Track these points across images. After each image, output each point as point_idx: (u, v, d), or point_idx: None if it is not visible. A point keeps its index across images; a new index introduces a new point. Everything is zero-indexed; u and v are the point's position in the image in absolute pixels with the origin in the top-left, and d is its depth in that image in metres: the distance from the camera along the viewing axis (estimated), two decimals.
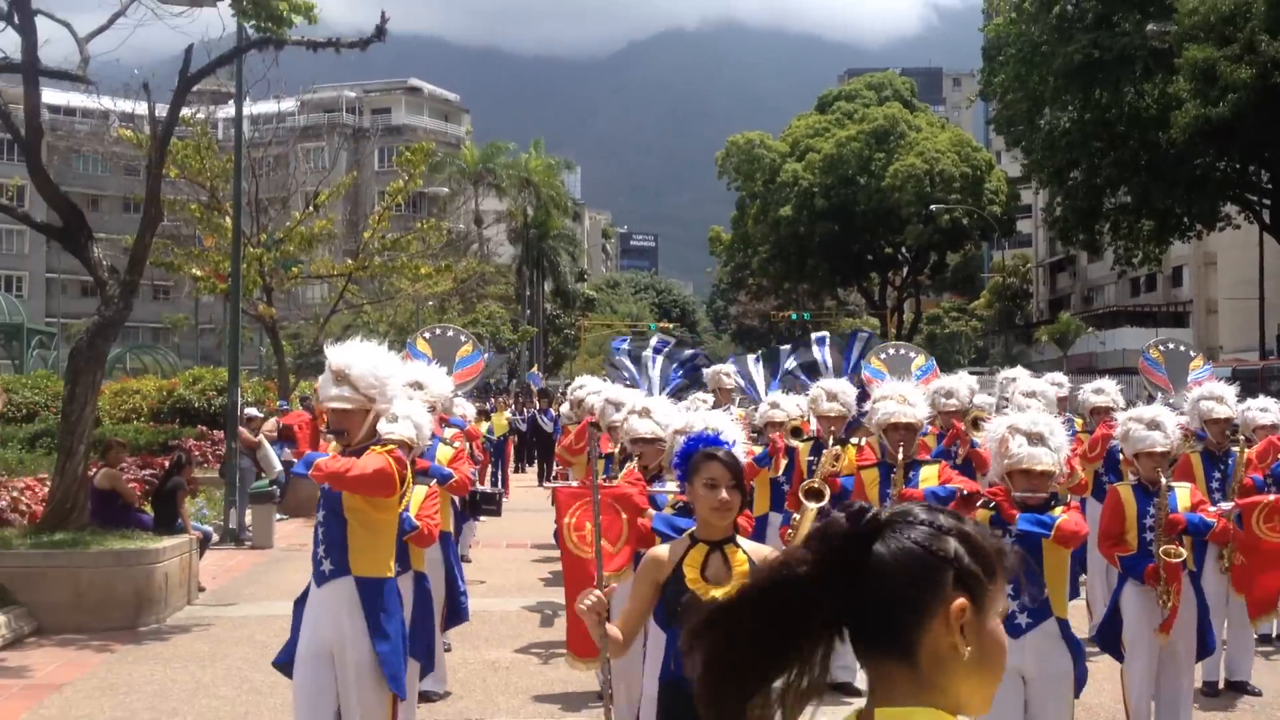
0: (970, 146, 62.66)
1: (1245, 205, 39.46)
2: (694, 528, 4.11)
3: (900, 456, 6.49)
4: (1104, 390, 9.69)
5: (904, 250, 65.63)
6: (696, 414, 5.37)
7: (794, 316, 72.86)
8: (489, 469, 19.20)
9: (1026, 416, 5.31)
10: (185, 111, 14.74)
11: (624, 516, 5.18)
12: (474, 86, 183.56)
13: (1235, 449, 7.85)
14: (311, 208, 19.83)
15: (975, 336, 77.25)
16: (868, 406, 6.97)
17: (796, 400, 9.90)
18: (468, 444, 10.04)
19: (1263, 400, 9.44)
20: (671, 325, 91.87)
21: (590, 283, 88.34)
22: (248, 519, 15.79)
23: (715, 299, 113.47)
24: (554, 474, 24.93)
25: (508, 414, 24.71)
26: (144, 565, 10.46)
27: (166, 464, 12.07)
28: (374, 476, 5.16)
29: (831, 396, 8.26)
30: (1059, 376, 10.14)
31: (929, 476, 6.52)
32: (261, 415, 17.57)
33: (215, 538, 13.62)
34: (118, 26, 12.31)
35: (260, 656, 9.26)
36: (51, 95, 49.17)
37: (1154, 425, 6.27)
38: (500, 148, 66.30)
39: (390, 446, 5.43)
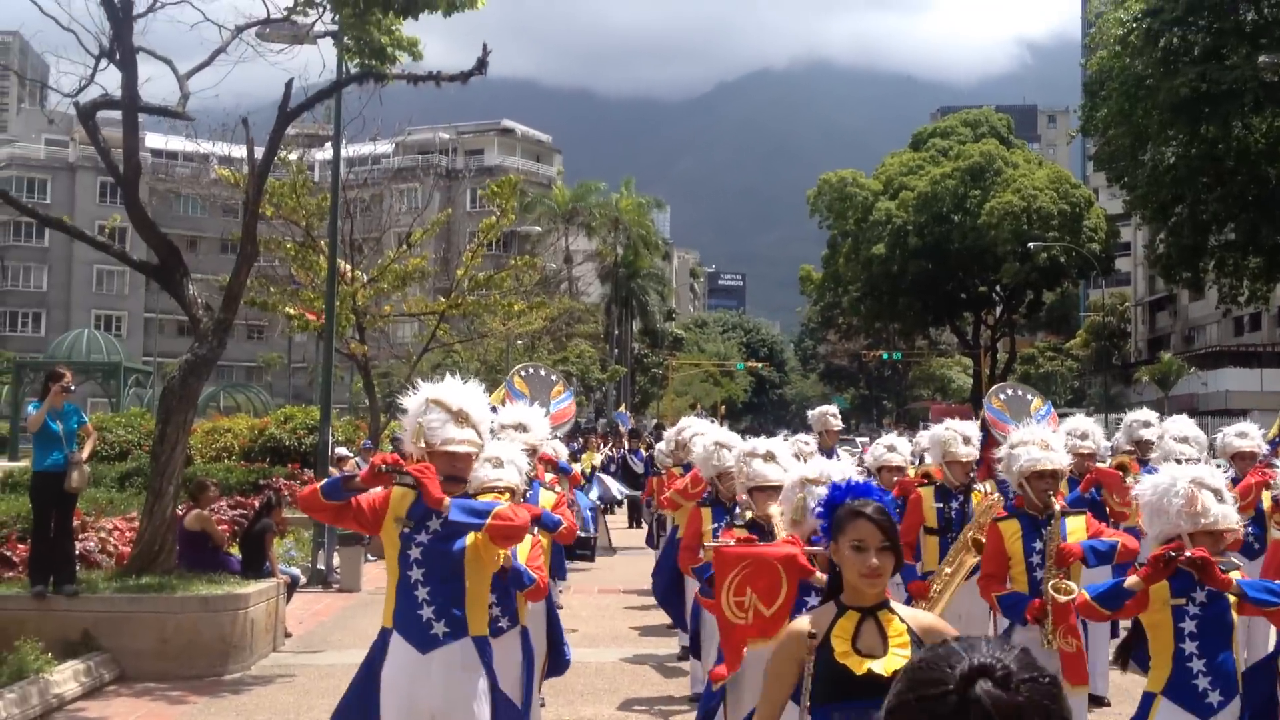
0: (1069, 183, 61.38)
1: None
2: (841, 595, 3.58)
3: (1056, 507, 5.93)
4: (1248, 434, 8.85)
5: (999, 289, 64.38)
6: (821, 461, 4.83)
7: (885, 356, 71.83)
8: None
9: (1209, 471, 4.75)
10: (281, 152, 14.64)
11: (784, 579, 4.63)
12: (566, 127, 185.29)
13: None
14: (405, 245, 19.66)
15: (1071, 376, 75.50)
16: (1001, 452, 6.38)
17: (906, 443, 9.36)
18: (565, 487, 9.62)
19: (1241, 425, 9.00)
20: (760, 365, 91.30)
21: (678, 322, 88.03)
22: (335, 561, 15.54)
23: (804, 338, 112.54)
24: (643, 516, 24.51)
25: (599, 455, 24.28)
26: (230, 611, 10.16)
27: (256, 504, 11.80)
28: (525, 529, 4.79)
29: (967, 440, 7.70)
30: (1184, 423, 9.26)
31: (1077, 529, 5.95)
32: (352, 455, 17.37)
33: (303, 580, 13.33)
34: (218, 64, 12.17)
35: None
36: (153, 140, 50.37)
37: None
38: (591, 187, 66.48)
39: (504, 494, 5.04)
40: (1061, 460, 6.05)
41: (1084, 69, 46.26)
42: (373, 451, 18.83)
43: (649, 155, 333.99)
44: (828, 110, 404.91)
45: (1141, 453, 10.26)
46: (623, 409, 42.47)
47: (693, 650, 8.22)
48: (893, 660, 3.39)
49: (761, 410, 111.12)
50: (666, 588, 9.37)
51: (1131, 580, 4.71)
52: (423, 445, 4.95)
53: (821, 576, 4.48)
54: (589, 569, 17.05)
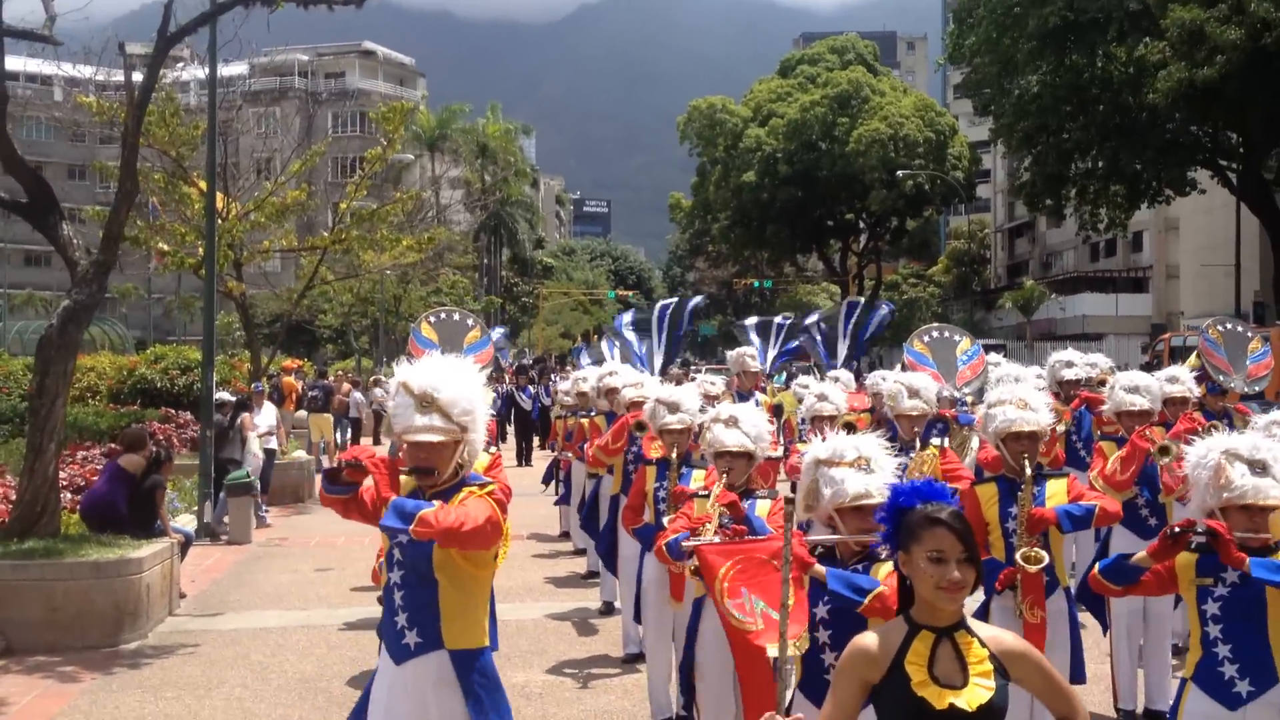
0: (934, 111, 62.12)
1: (1216, 170, 39.16)
2: (912, 609, 3.22)
3: (1028, 470, 5.67)
4: (1179, 379, 8.54)
5: (865, 216, 65.07)
6: (838, 439, 4.46)
7: (755, 284, 72.25)
8: None
9: (1247, 440, 4.50)
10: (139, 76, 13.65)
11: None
12: (426, 50, 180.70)
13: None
14: (282, 177, 18.73)
15: (934, 303, 77.04)
16: (979, 411, 6.12)
17: (842, 391, 9.13)
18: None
19: (1172, 370, 8.77)
20: (629, 293, 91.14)
21: (547, 250, 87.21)
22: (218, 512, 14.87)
23: (672, 266, 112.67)
24: (553, 452, 24.15)
25: (490, 394, 23.77)
26: (125, 576, 9.50)
27: (144, 459, 11.06)
28: (486, 529, 4.25)
29: (914, 393, 7.45)
30: (1180, 373, 8.79)
31: (1057, 492, 5.68)
32: (232, 399, 16.57)
33: (194, 537, 12.64)
34: None
35: (259, 682, 8.40)
36: None
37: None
38: (457, 112, 65.01)
39: (491, 487, 4.54)
40: (1041, 420, 5.79)
41: None
42: (264, 395, 18.03)
43: (512, 80, 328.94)
44: (691, 34, 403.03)
45: (1065, 394, 10.22)
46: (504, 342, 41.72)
47: (635, 617, 7.92)
48: (975, 692, 3.04)
49: None
50: (610, 549, 9.02)
51: (1139, 555, 4.44)
52: (397, 434, 4.49)
53: (821, 570, 4.15)
54: None
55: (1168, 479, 7.02)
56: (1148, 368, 24.63)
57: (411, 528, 4.13)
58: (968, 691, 3.04)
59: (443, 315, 10.41)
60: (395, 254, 23.35)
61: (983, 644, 3.13)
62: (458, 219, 66.00)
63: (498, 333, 25.14)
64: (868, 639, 3.17)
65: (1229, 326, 10.57)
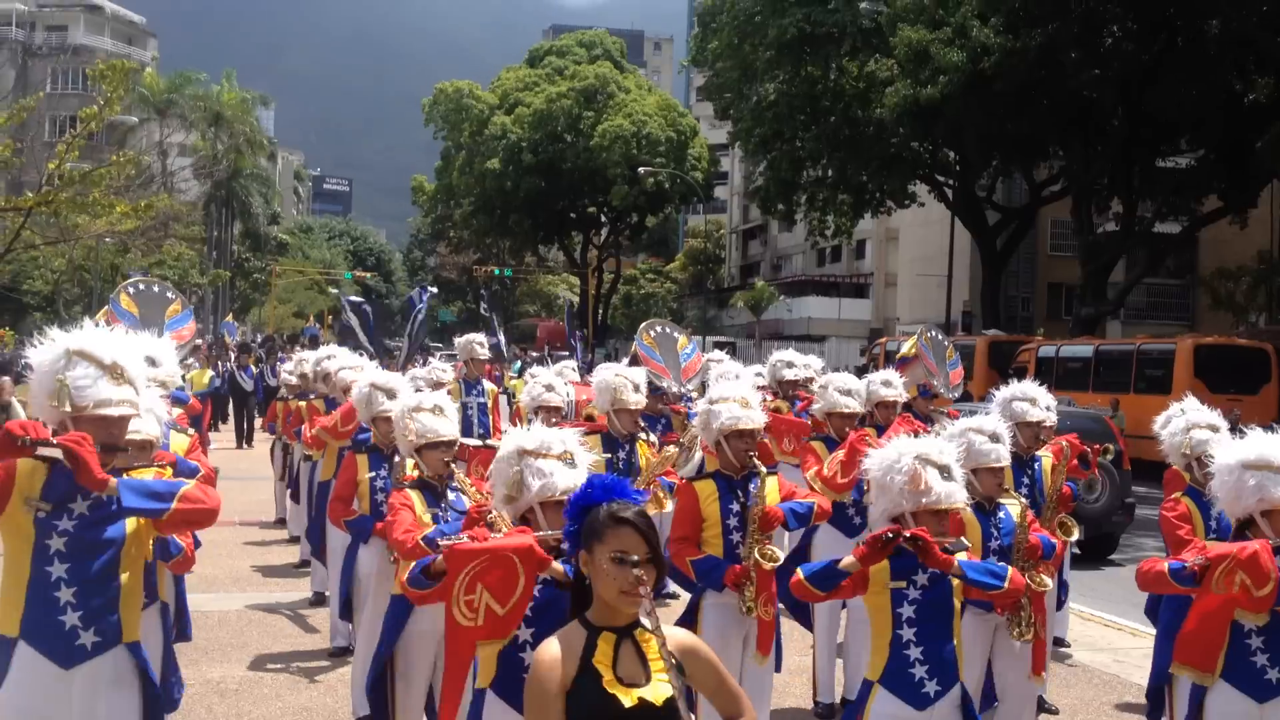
0: (676, 111, 63.26)
1: (933, 184, 41.39)
2: (588, 612, 3.13)
3: (761, 468, 5.69)
4: (891, 382, 8.87)
5: (606, 210, 65.74)
6: (543, 430, 4.34)
7: (496, 272, 71.96)
8: None
9: (933, 445, 4.63)
10: None
11: (521, 573, 4.08)
12: (160, 10, 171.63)
13: (1041, 454, 7.49)
14: None
15: (670, 299, 78.63)
16: (699, 407, 6.11)
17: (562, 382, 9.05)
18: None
19: (884, 373, 8.99)
20: (367, 274, 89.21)
21: (283, 226, 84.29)
22: None
23: (413, 249, 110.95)
24: (272, 434, 23.37)
25: (210, 371, 22.68)
26: None
27: None
28: (215, 511, 4.05)
29: (637, 388, 7.45)
30: (892, 376, 8.93)
31: (770, 490, 5.73)
32: None
33: None
34: None
35: None
36: None
37: (996, 438, 5.79)
38: (189, 78, 62.02)
39: (165, 467, 4.22)
40: (760, 419, 5.86)
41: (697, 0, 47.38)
42: None
43: (252, 48, 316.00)
44: (440, 19, 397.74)
45: (784, 393, 10.48)
46: (230, 319, 39.99)
47: (342, 614, 7.63)
48: (659, 687, 3.01)
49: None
50: (320, 537, 8.67)
51: (847, 560, 4.45)
52: (68, 408, 4.00)
53: (559, 567, 4.04)
54: None
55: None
56: (863, 370, 25.83)
57: (174, 506, 3.83)
58: (652, 687, 3.01)
59: (142, 287, 9.84)
60: (110, 220, 21.99)
61: (659, 641, 3.08)
62: (187, 188, 62.95)
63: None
64: (551, 647, 3.05)
65: (934, 334, 11.12)
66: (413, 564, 4.26)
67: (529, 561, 3.84)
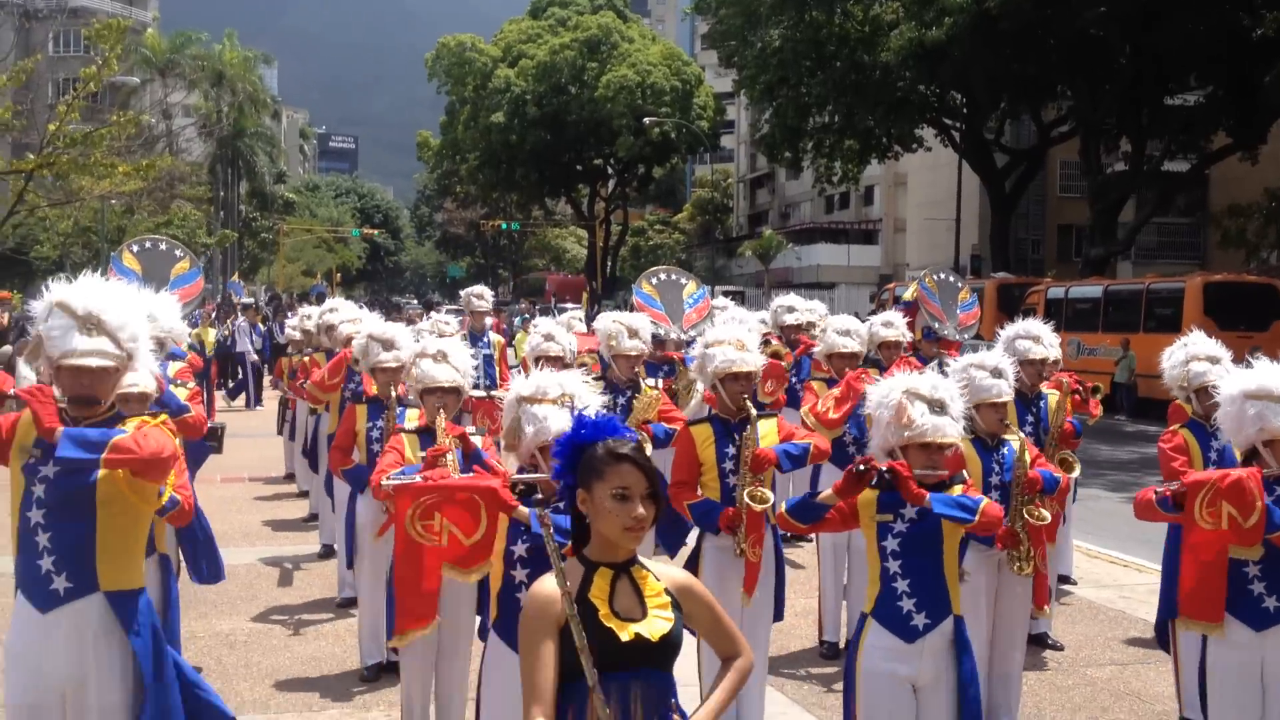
0: (681, 60, 62.78)
1: (941, 128, 41.08)
2: (586, 549, 3.12)
3: (752, 411, 5.71)
4: (893, 323, 8.86)
5: (613, 162, 65.45)
6: (541, 376, 4.35)
7: (504, 226, 71.81)
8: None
9: (926, 380, 4.62)
10: None
11: (484, 513, 4.11)
12: None
13: (1047, 392, 7.49)
14: None
15: (678, 249, 78.46)
16: (695, 351, 6.11)
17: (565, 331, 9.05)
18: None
19: (886, 314, 9.05)
20: (375, 231, 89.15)
21: (289, 185, 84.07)
22: None
23: (420, 205, 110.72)
24: (278, 390, 23.43)
25: (216, 331, 22.74)
26: None
27: None
28: (169, 460, 3.97)
29: (633, 334, 7.45)
30: (894, 317, 8.94)
31: (769, 433, 5.75)
32: None
33: None
34: None
35: None
36: None
37: (998, 373, 5.79)
38: (191, 37, 61.68)
39: (163, 416, 4.22)
40: (757, 361, 5.86)
41: None
42: None
43: (252, 7, 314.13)
44: None
45: (786, 338, 10.48)
46: (236, 278, 40.01)
47: (350, 564, 7.68)
48: (655, 623, 3.00)
49: (376, 277, 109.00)
50: (331, 489, 8.70)
51: (825, 494, 4.50)
52: (44, 360, 4.04)
53: (524, 511, 4.05)
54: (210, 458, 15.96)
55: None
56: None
57: (105, 456, 3.82)
58: (648, 623, 3.01)
59: (148, 244, 9.81)
60: (114, 181, 21.98)
61: (658, 578, 3.10)
62: (192, 148, 62.81)
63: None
64: (545, 584, 3.05)
65: (943, 276, 11.05)
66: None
67: (492, 503, 3.88)
